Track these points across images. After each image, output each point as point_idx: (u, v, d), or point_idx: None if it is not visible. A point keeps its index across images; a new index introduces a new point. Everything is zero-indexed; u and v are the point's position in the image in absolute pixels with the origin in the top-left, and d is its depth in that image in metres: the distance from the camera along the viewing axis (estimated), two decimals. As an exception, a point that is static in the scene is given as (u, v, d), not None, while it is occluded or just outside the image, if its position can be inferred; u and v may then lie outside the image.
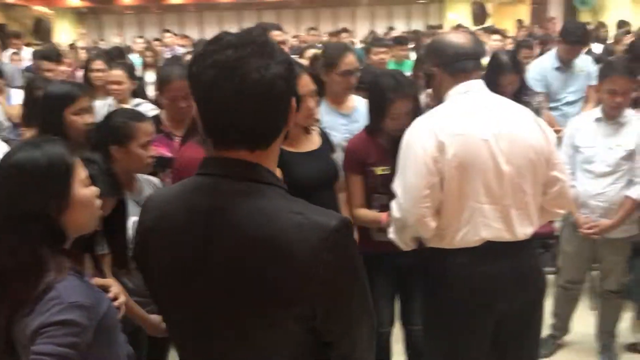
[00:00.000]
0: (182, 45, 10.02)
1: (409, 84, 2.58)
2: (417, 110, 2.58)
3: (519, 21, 13.96)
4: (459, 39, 2.12)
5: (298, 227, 1.07)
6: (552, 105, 4.40)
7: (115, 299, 1.76)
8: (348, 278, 1.13)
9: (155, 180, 2.55)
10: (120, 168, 2.22)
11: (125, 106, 3.89)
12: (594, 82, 4.26)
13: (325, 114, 2.99)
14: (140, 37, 9.69)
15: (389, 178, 2.48)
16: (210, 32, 17.58)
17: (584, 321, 3.52)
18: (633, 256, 3.34)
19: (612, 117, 3.05)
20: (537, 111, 3.72)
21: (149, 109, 4.02)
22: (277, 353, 1.15)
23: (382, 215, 2.46)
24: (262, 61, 1.07)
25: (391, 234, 2.16)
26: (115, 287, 1.82)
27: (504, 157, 1.97)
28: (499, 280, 2.03)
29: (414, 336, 2.72)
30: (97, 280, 1.69)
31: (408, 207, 2.03)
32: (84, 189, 1.48)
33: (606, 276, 3.28)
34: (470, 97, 2.06)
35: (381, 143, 2.62)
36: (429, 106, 3.39)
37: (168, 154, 2.68)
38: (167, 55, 8.64)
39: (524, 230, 2.04)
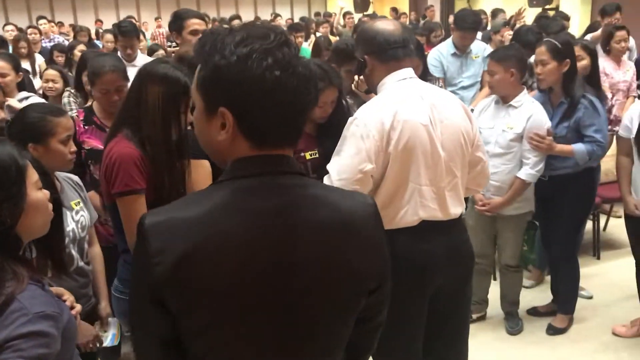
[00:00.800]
0: (63, 34, 9.34)
1: (335, 73, 2.62)
2: (340, 99, 2.64)
3: (394, 9, 14.52)
4: (387, 26, 2.16)
5: (356, 207, 1.15)
6: (449, 89, 4.64)
7: (71, 307, 1.65)
8: (386, 245, 1.22)
9: (74, 177, 2.41)
10: None
11: (12, 100, 3.62)
12: (490, 67, 4.56)
13: None
14: (10, 24, 8.88)
15: (317, 162, 2.60)
16: (86, 19, 16.73)
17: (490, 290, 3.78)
18: (528, 229, 3.63)
19: (505, 100, 3.25)
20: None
21: (37, 102, 3.78)
22: (344, 337, 1.19)
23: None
24: (302, 58, 1.09)
25: None
26: (70, 296, 1.71)
27: (439, 141, 2.08)
28: (435, 256, 2.14)
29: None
30: (51, 289, 1.58)
31: (340, 185, 2.06)
32: (38, 192, 1.38)
33: (502, 251, 3.53)
34: (404, 85, 2.13)
35: (306, 130, 2.65)
36: (352, 93, 3.47)
37: (101, 147, 2.55)
38: (46, 44, 8.06)
39: (455, 210, 2.18)
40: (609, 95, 4.77)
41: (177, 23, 3.34)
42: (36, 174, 1.40)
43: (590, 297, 3.90)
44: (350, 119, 2.11)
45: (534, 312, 3.76)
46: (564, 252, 3.47)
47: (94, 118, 2.84)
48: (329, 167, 2.16)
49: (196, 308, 1.04)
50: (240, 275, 1.03)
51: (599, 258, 4.46)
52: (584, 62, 3.51)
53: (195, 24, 3.27)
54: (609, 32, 5.03)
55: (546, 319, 3.64)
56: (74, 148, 2.25)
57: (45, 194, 1.42)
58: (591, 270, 4.20)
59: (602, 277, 4.15)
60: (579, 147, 3.19)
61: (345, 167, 2.06)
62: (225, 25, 7.70)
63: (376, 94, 2.22)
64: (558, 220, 3.41)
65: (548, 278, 4.06)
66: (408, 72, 2.15)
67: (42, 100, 3.88)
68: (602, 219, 4.77)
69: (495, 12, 8.55)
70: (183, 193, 2.12)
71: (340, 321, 1.15)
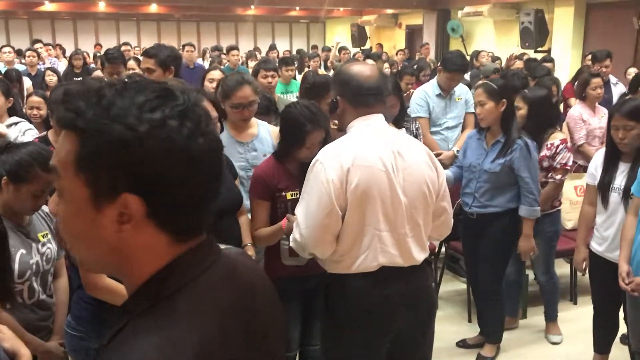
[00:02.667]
0: (58, 57, 9.40)
1: (323, 115, 2.65)
2: (327, 140, 2.67)
3: (379, 45, 14.77)
4: (363, 72, 2.19)
5: (256, 266, 1.10)
6: (433, 129, 4.67)
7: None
8: None
9: (45, 208, 2.41)
10: (4, 199, 2.11)
11: (0, 125, 3.65)
12: (472, 110, 4.62)
13: (224, 142, 2.98)
14: (7, 46, 8.92)
15: (298, 202, 2.59)
16: (86, 42, 16.87)
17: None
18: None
19: None
20: (416, 136, 3.98)
21: (25, 128, 3.80)
22: None
23: (282, 223, 2.49)
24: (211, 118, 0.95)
25: (291, 243, 2.23)
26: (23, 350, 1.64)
27: (401, 188, 2.10)
28: (394, 302, 2.15)
29: (311, 356, 2.81)
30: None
31: (308, 233, 2.11)
32: None
33: None
34: (371, 129, 2.16)
35: (289, 169, 2.69)
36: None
37: None
38: (41, 67, 8.13)
39: (417, 256, 2.18)
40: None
41: None
42: None
43: (557, 343, 3.89)
44: (313, 159, 2.14)
45: (463, 344, 3.80)
46: (490, 286, 3.55)
47: (49, 147, 2.86)
48: (296, 211, 2.19)
49: None
50: None
51: (575, 303, 4.45)
52: (521, 112, 3.64)
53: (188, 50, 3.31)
54: (585, 79, 5.12)
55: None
56: (42, 202, 2.23)
57: None
58: (568, 315, 4.19)
59: (578, 322, 4.12)
60: (523, 210, 3.36)
61: (311, 214, 2.09)
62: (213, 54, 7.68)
63: (345, 133, 2.25)
64: (484, 256, 3.50)
65: (523, 322, 4.08)
66: (376, 117, 2.19)
67: (30, 127, 3.89)
68: (581, 264, 4.77)
69: (475, 54, 8.65)
70: None
71: None
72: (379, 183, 2.07)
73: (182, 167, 0.82)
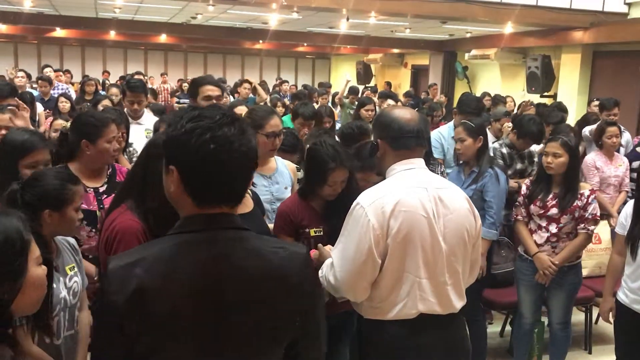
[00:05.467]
0: (69, 83, 9.45)
1: (347, 155, 2.67)
2: (351, 179, 2.67)
3: (388, 83, 14.85)
4: (404, 115, 2.20)
5: (285, 259, 1.38)
6: (448, 170, 4.68)
7: None
8: (318, 288, 1.51)
9: (71, 240, 2.38)
10: (47, 232, 2.08)
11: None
12: (490, 153, 4.61)
13: None
14: (21, 70, 8.97)
15: (321, 239, 2.60)
16: (94, 69, 16.96)
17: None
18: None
19: None
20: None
21: None
22: None
23: (310, 254, 2.46)
24: (246, 136, 1.34)
25: (324, 283, 2.18)
26: None
27: (441, 235, 2.08)
28: (431, 350, 2.10)
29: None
30: None
31: (343, 277, 2.07)
32: (38, 269, 1.35)
33: None
34: (412, 174, 2.15)
35: (314, 206, 2.70)
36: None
37: (84, 206, 2.55)
38: (54, 93, 8.16)
39: (455, 304, 2.15)
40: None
41: (193, 89, 3.51)
42: (38, 249, 1.38)
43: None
44: (354, 203, 2.11)
45: None
46: (469, 312, 3.50)
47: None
48: (333, 253, 2.15)
49: (145, 333, 1.26)
50: (179, 309, 1.26)
51: (590, 352, 4.39)
52: (562, 160, 3.50)
53: (208, 90, 3.44)
54: (601, 128, 5.14)
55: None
56: (81, 215, 2.26)
57: (44, 269, 1.39)
58: (583, 365, 4.14)
59: (593, 373, 4.08)
60: (482, 232, 3.46)
61: (347, 258, 2.06)
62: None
63: (384, 178, 2.24)
64: None
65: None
66: (417, 162, 2.18)
67: None
68: (595, 312, 4.72)
69: (497, 100, 8.70)
70: None
71: (267, 350, 1.37)
72: (420, 229, 2.04)
73: (195, 159, 1.28)
